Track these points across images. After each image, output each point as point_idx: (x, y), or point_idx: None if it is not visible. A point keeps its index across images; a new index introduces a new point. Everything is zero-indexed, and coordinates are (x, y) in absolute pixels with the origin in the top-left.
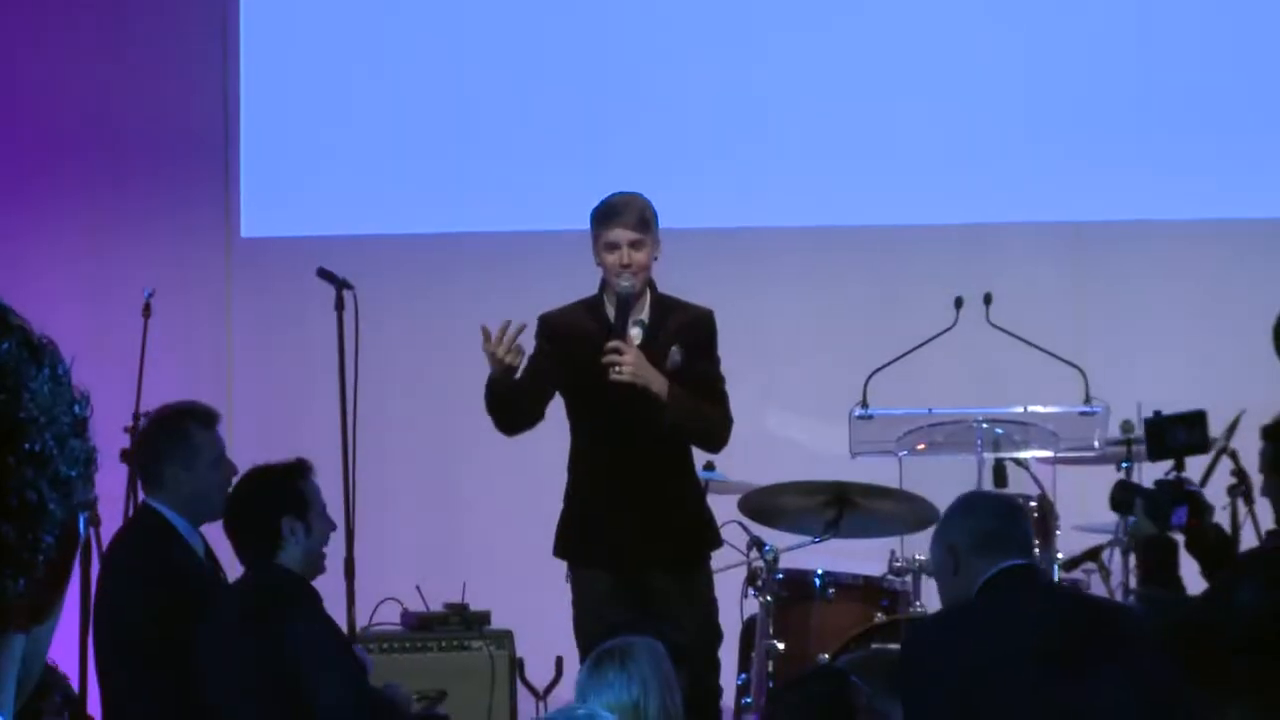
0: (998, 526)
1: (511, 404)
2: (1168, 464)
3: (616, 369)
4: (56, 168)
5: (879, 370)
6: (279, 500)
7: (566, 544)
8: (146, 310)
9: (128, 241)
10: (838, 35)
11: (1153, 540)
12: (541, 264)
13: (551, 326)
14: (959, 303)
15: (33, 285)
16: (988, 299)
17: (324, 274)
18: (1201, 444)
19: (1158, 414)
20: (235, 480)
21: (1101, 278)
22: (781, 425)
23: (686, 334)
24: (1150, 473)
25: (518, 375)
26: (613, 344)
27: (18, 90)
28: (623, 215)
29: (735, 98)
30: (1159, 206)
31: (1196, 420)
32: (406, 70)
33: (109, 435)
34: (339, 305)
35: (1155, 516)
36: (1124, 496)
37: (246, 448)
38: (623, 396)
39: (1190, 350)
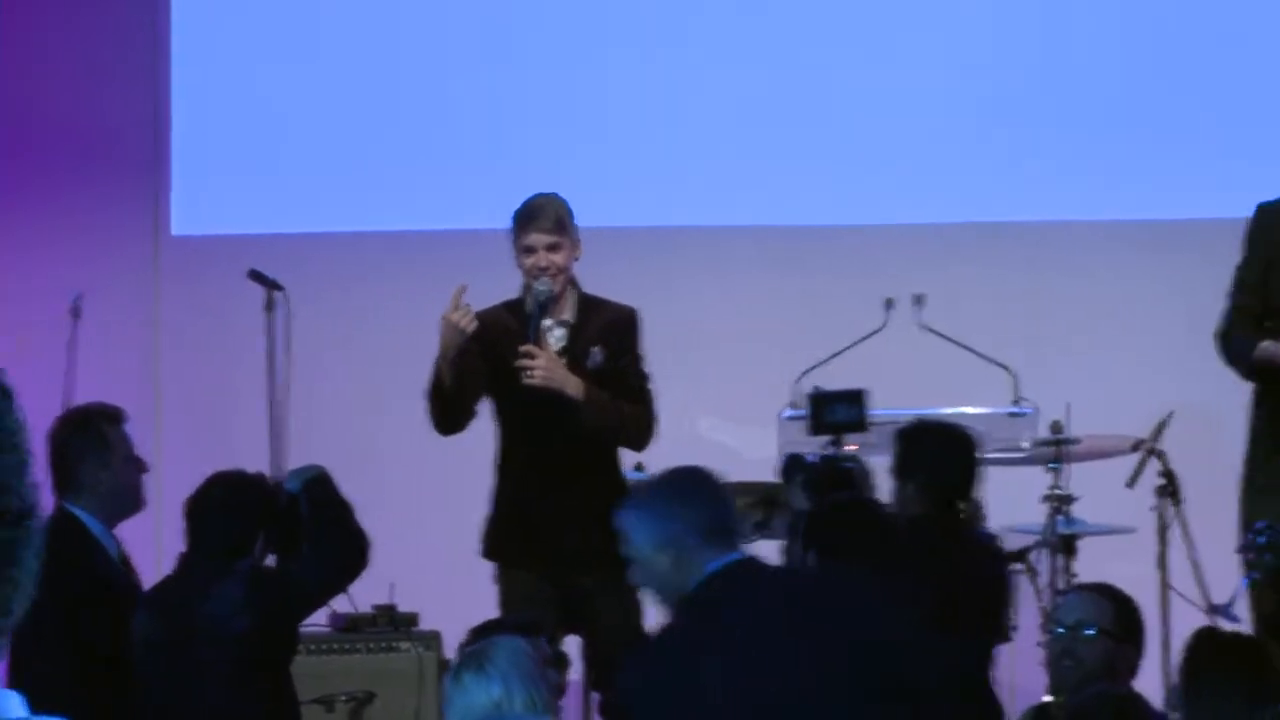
0: (721, 513)
1: (455, 401)
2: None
3: (528, 373)
4: None
5: (809, 371)
6: None
7: (493, 544)
8: (75, 312)
9: (55, 240)
10: (765, 33)
11: (810, 513)
12: (471, 262)
13: (477, 326)
14: (889, 304)
15: None
16: (917, 300)
17: (255, 276)
18: (859, 422)
19: (817, 389)
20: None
21: (1031, 278)
22: (710, 427)
23: (609, 333)
24: (1083, 472)
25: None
26: (525, 348)
27: None
28: (538, 219)
29: (662, 95)
30: (1087, 207)
31: (854, 398)
32: (337, 69)
33: (37, 439)
34: (269, 307)
35: (813, 491)
36: (788, 469)
37: (176, 448)
38: (541, 397)
39: (1119, 351)
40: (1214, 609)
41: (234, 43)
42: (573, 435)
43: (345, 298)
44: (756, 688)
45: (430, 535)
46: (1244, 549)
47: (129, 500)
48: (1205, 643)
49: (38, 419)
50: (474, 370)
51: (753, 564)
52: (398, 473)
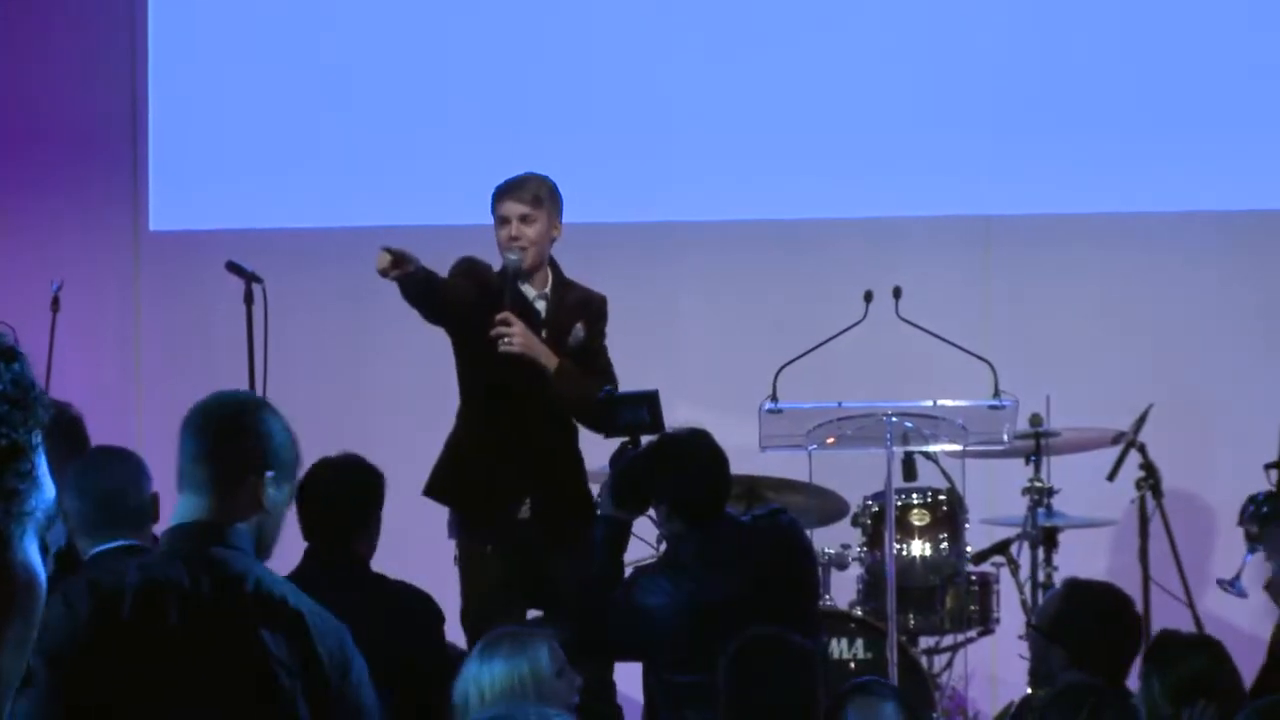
0: None
1: (429, 294)
2: None
3: (506, 340)
4: None
5: (789, 364)
6: None
7: (439, 483)
8: (55, 303)
9: (36, 234)
10: (744, 30)
11: (604, 520)
12: (448, 257)
13: (469, 268)
14: (868, 296)
15: None
16: (897, 293)
17: (233, 267)
18: (652, 424)
19: (609, 392)
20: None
21: (1010, 272)
22: (690, 420)
23: (584, 312)
24: (1064, 464)
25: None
26: (502, 316)
27: None
28: (514, 191)
29: (641, 91)
30: (1066, 201)
31: (645, 400)
32: (314, 64)
33: None
34: (248, 299)
35: (618, 500)
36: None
37: (155, 441)
38: (509, 362)
39: (1099, 344)
40: (1220, 584)
41: (212, 38)
42: (533, 397)
43: (323, 292)
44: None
45: (410, 524)
46: (1246, 520)
47: None
48: (1165, 646)
49: None
50: (452, 289)
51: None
52: (375, 460)
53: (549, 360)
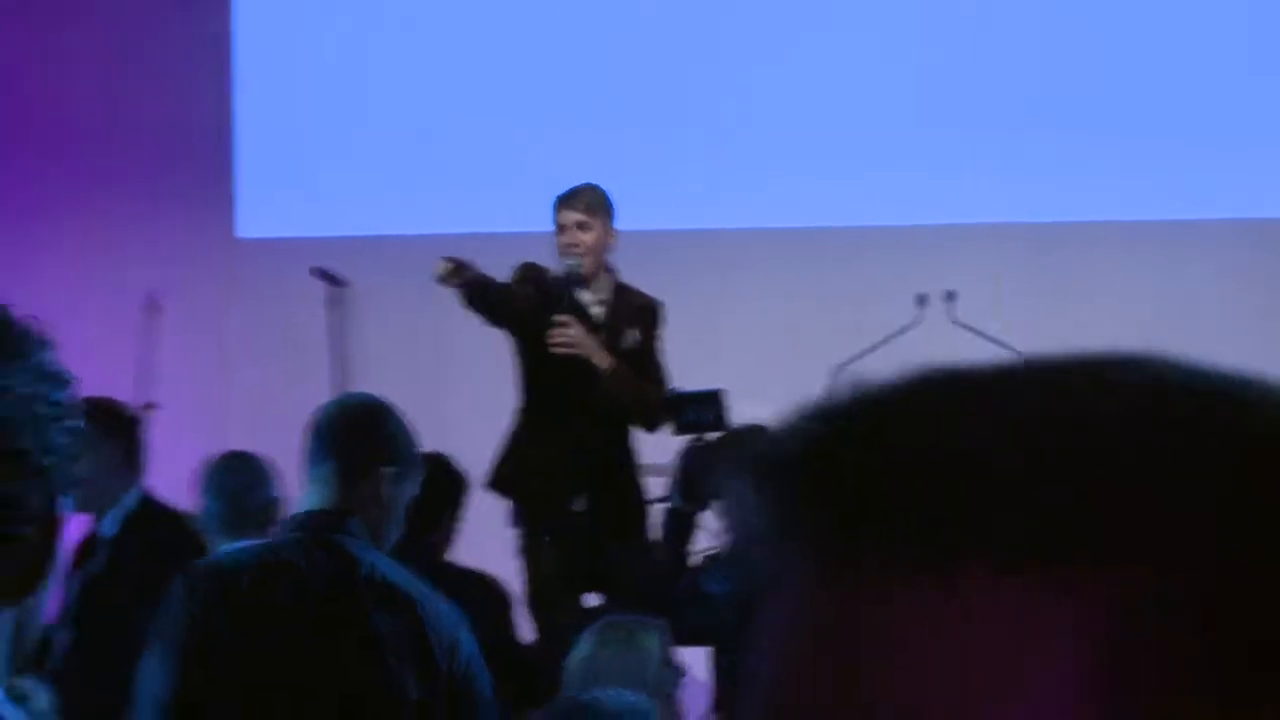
0: None
1: (487, 299)
2: None
3: (563, 339)
4: (62, 170)
5: (845, 365)
6: None
7: (500, 477)
8: (149, 308)
9: (131, 241)
10: (803, 41)
11: (672, 512)
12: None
13: (530, 273)
14: (922, 300)
15: (39, 283)
16: (950, 296)
17: (319, 273)
18: (718, 422)
19: (676, 391)
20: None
21: (1060, 276)
22: (751, 417)
23: (640, 317)
24: None
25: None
26: (561, 317)
27: (24, 94)
28: (571, 200)
29: (701, 104)
30: (1116, 207)
31: (711, 399)
32: (401, 72)
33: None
34: (333, 303)
35: (685, 494)
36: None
37: (247, 442)
38: (566, 363)
39: (1141, 345)
40: None
41: (299, 50)
42: (590, 402)
43: (407, 298)
44: None
45: (488, 530)
46: None
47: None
48: None
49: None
50: (521, 303)
51: None
52: (458, 462)
53: (603, 361)
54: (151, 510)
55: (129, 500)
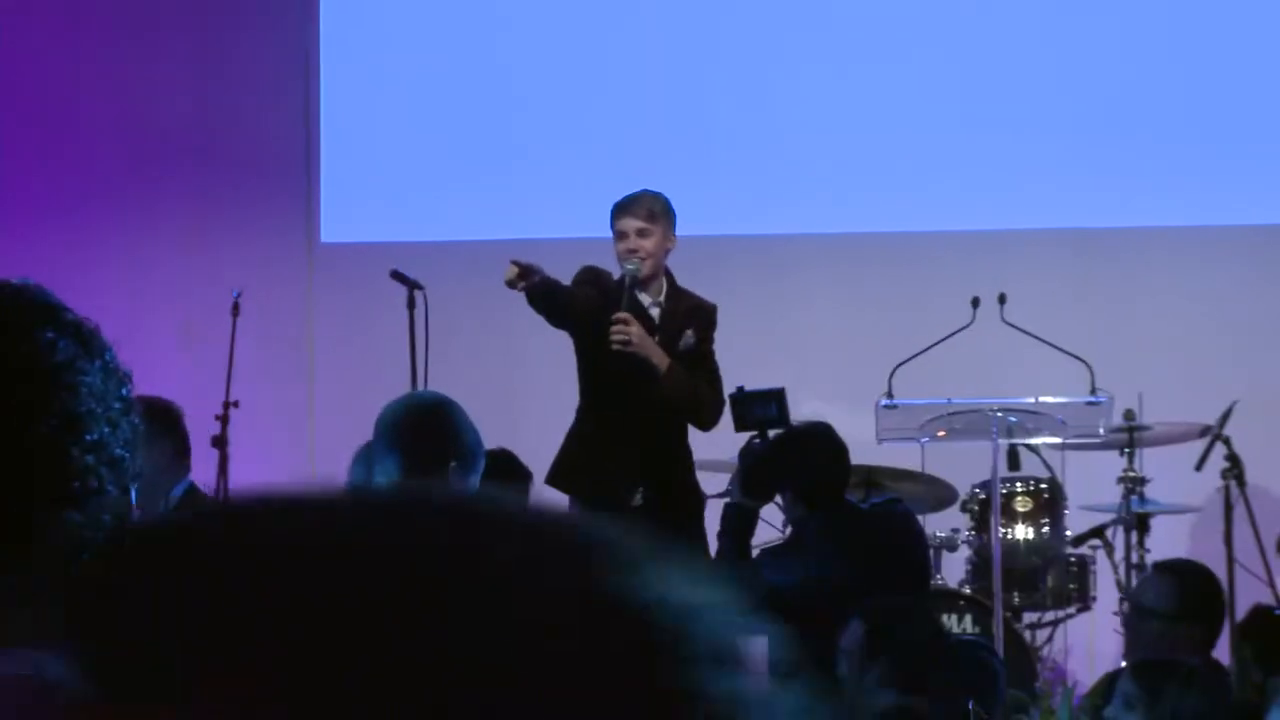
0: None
1: (551, 302)
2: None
3: (622, 337)
4: (154, 176)
5: (903, 364)
6: None
7: (559, 473)
8: (235, 309)
9: (219, 244)
10: (861, 51)
11: (734, 507)
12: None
13: (593, 276)
14: (975, 302)
15: (131, 284)
16: (1002, 299)
17: (396, 275)
18: (780, 419)
19: (740, 389)
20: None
21: (1106, 279)
22: (813, 414)
23: (695, 319)
24: (1155, 456)
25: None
26: (620, 315)
27: (120, 105)
28: (631, 207)
29: (763, 115)
30: (1159, 213)
31: (773, 397)
32: (477, 83)
33: (202, 423)
34: (410, 305)
35: (746, 489)
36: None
37: (328, 437)
38: (625, 362)
39: (1187, 345)
40: None
41: (380, 65)
42: (647, 400)
43: (482, 301)
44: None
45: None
46: None
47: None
48: (1257, 618)
49: (204, 408)
50: (577, 297)
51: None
52: (531, 465)
53: (660, 360)
54: (197, 500)
55: (177, 493)
